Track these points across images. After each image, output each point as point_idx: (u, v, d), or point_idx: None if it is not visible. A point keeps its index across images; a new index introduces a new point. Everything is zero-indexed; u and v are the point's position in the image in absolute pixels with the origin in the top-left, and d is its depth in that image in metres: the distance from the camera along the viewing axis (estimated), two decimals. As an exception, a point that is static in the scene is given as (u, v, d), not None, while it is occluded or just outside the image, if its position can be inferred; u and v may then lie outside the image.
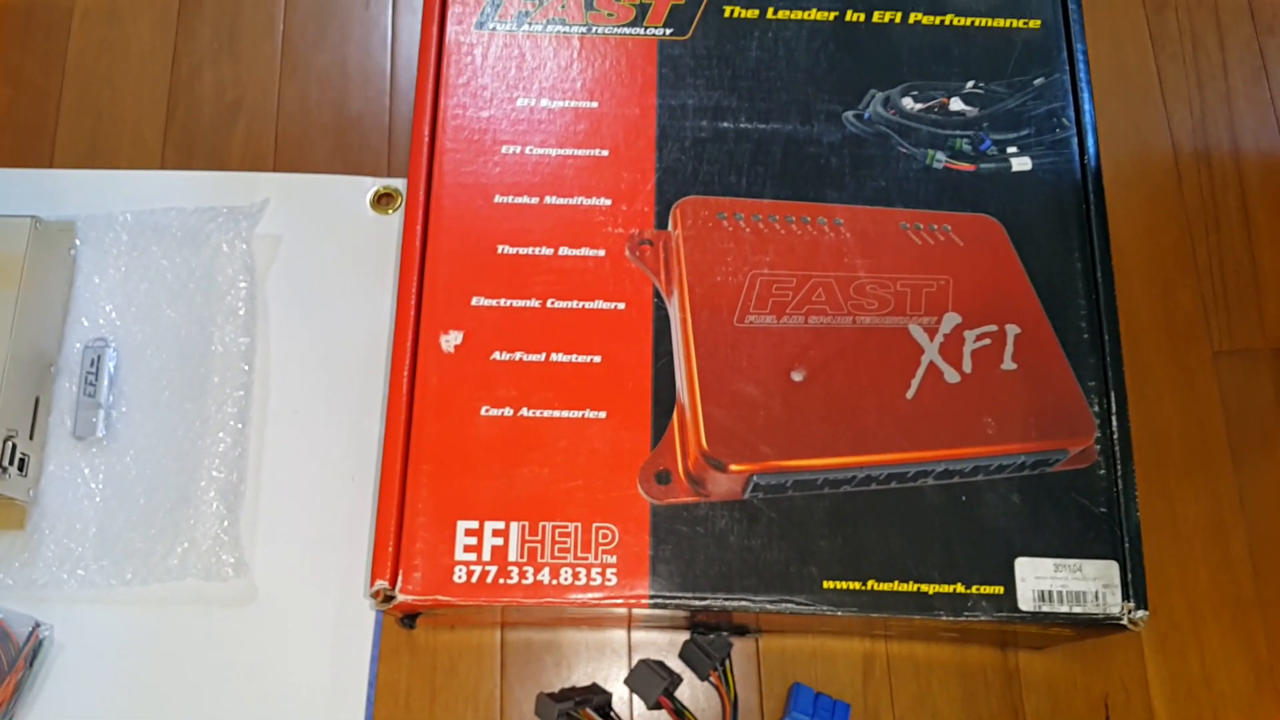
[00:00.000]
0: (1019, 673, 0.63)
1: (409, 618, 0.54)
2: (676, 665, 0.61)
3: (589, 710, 0.59)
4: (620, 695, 0.61)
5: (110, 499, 0.64)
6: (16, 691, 0.61)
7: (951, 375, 0.55)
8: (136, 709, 0.61)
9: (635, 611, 0.54)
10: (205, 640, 0.62)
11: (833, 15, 0.60)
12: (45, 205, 0.68)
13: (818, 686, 0.61)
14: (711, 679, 0.60)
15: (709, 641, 0.60)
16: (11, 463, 0.62)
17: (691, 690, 0.61)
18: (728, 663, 0.60)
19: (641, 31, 0.60)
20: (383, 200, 0.70)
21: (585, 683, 0.62)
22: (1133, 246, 0.71)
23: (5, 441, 0.62)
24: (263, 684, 0.62)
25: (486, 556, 0.52)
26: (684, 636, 0.61)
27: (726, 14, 0.60)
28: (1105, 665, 0.63)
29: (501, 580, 0.51)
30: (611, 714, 0.60)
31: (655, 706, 0.60)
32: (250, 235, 0.69)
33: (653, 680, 0.60)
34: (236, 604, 0.63)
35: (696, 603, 0.51)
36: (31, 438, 0.64)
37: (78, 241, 0.69)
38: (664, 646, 0.62)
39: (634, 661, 0.61)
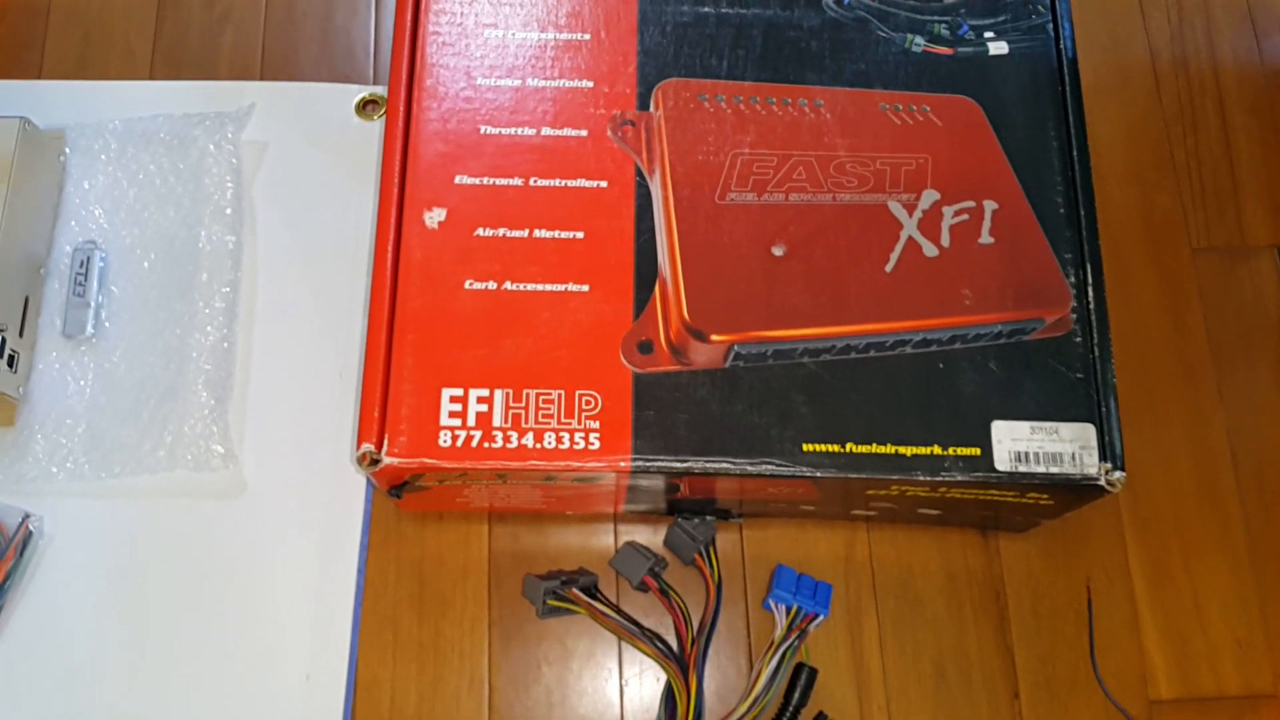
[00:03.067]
0: (1000, 557, 0.63)
1: (396, 488, 0.55)
2: (661, 553, 0.62)
3: (575, 590, 0.60)
4: (607, 579, 0.62)
5: (99, 395, 0.65)
6: (7, 579, 0.61)
7: (930, 249, 0.56)
8: (126, 600, 0.62)
9: (620, 483, 0.55)
10: (195, 532, 0.63)
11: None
12: (35, 115, 0.69)
13: (800, 571, 0.61)
14: (696, 562, 0.61)
15: (693, 526, 0.61)
16: (2, 356, 0.62)
17: (676, 575, 0.62)
18: (712, 547, 0.61)
19: (623, -80, 0.61)
20: (367, 107, 0.71)
21: (572, 570, 0.62)
22: (1111, 151, 0.72)
23: (-4, 335, 0.62)
24: (252, 575, 0.62)
25: (471, 422, 0.52)
26: (668, 528, 0.62)
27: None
28: (1086, 551, 0.64)
29: (486, 444, 0.52)
30: (598, 594, 0.60)
31: (641, 587, 0.60)
32: (237, 139, 0.70)
33: (638, 561, 0.60)
34: (226, 496, 0.64)
35: (678, 465, 0.52)
36: (21, 336, 0.65)
37: (67, 149, 0.70)
38: (649, 537, 0.63)
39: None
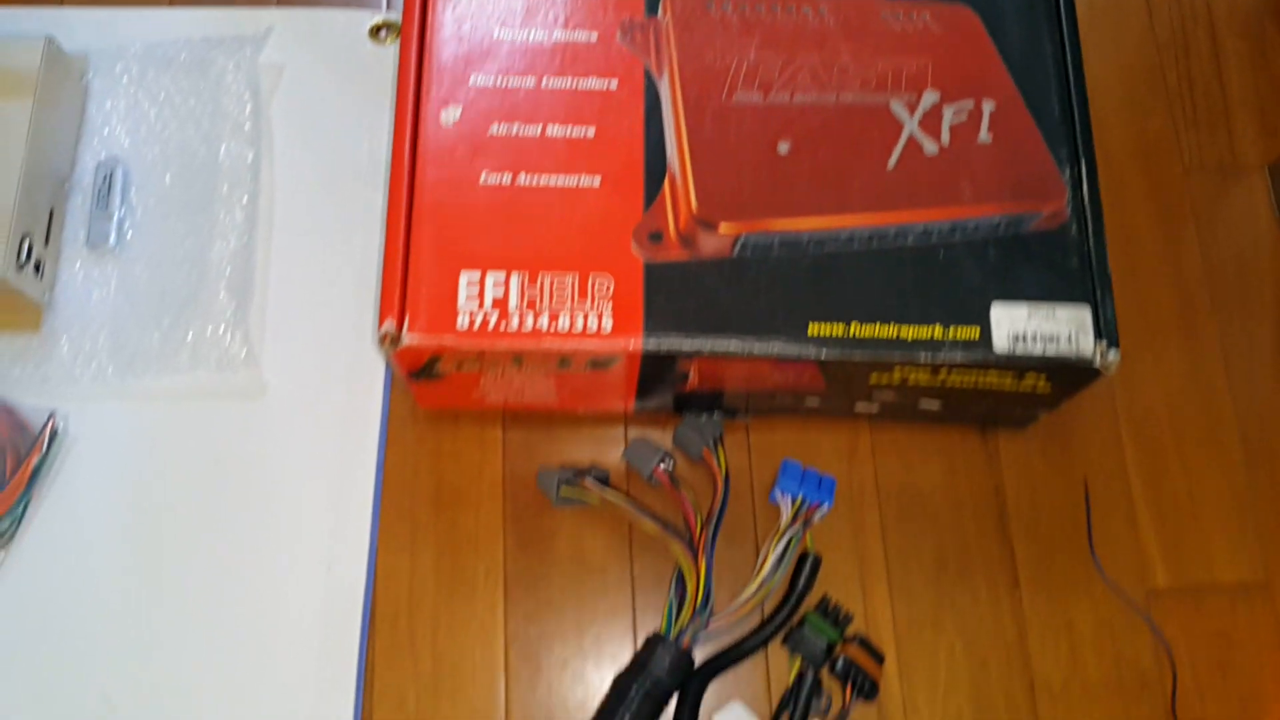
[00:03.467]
0: (1000, 454, 0.65)
1: (415, 373, 0.57)
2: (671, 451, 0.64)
3: (588, 480, 0.62)
4: (618, 473, 0.64)
5: (122, 302, 0.67)
6: (34, 476, 0.63)
7: (930, 147, 0.58)
8: (148, 498, 0.64)
9: (632, 371, 0.56)
10: (217, 432, 0.65)
11: None
12: (59, 40, 0.71)
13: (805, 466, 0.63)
14: (704, 457, 0.63)
15: (701, 422, 0.63)
16: (28, 260, 0.64)
17: (684, 473, 0.64)
18: (719, 442, 0.63)
19: None
20: (380, 32, 0.73)
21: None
22: (1104, 76, 0.74)
23: (22, 240, 0.64)
24: (273, 473, 0.64)
25: (488, 304, 0.54)
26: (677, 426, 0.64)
27: None
28: (1083, 449, 0.66)
29: (503, 325, 0.54)
30: (609, 485, 0.62)
31: (651, 479, 0.62)
32: (254, 61, 0.72)
33: (649, 453, 0.62)
34: (247, 397, 0.66)
35: (688, 346, 0.54)
36: (46, 245, 0.67)
37: (89, 72, 0.72)
38: (659, 438, 0.65)
39: (631, 447, 0.64)
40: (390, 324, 0.53)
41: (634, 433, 0.65)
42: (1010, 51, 0.60)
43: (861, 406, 0.63)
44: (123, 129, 0.71)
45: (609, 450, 0.65)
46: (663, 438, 0.65)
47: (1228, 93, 0.74)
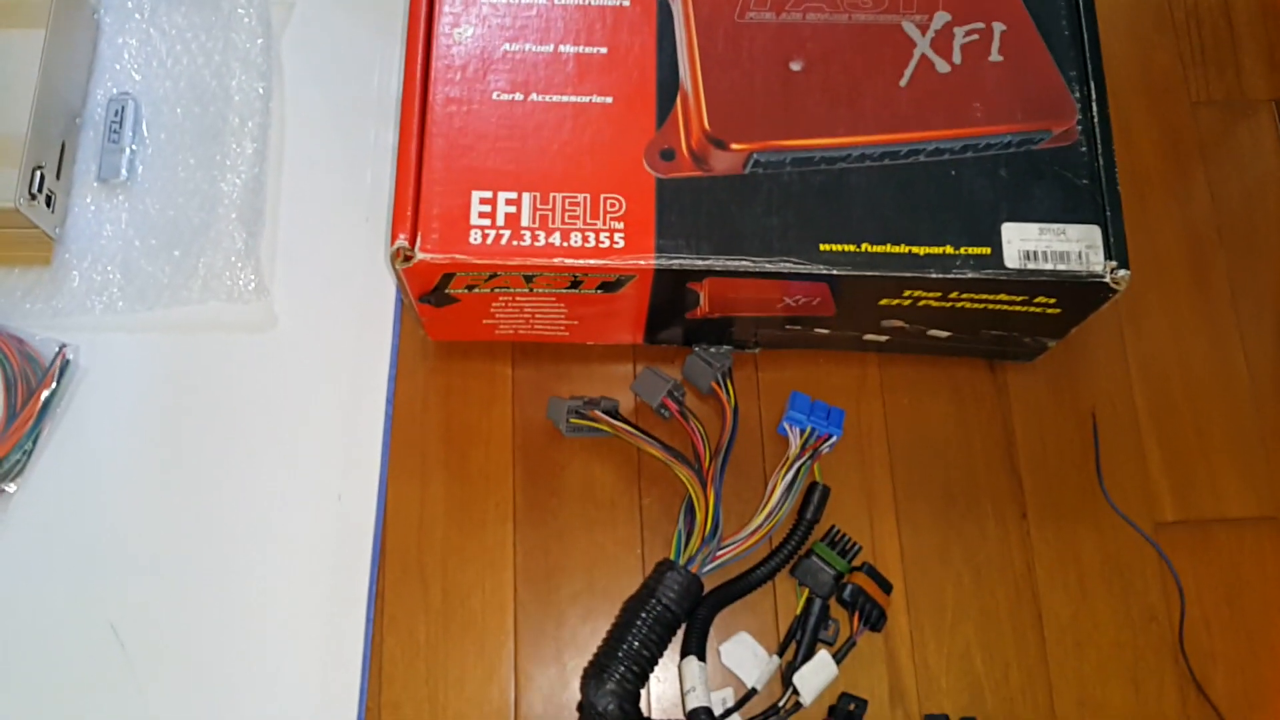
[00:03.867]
0: (1008, 387, 0.65)
1: (426, 295, 0.57)
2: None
3: (598, 411, 0.61)
4: (627, 406, 0.64)
5: (133, 235, 0.67)
6: (44, 408, 0.63)
7: (942, 66, 0.58)
8: (160, 429, 0.64)
9: (642, 295, 0.56)
10: (227, 364, 0.65)
11: None
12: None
13: (813, 399, 0.63)
14: (713, 389, 0.63)
15: (710, 354, 0.63)
16: (40, 192, 0.64)
17: (694, 405, 0.64)
18: (728, 375, 0.63)
19: None
20: (394, -34, 0.73)
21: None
22: (1112, 10, 0.73)
23: (34, 172, 0.64)
24: (284, 405, 0.64)
25: (500, 222, 0.54)
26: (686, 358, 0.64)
27: None
28: (1092, 383, 0.66)
29: (515, 243, 0.54)
30: (619, 415, 0.62)
31: (661, 409, 0.62)
32: (266, -2, 0.72)
33: (658, 384, 0.62)
34: (257, 330, 0.66)
35: (700, 263, 0.54)
36: (58, 178, 0.67)
37: (101, 9, 0.72)
38: (669, 371, 0.65)
39: (639, 380, 0.64)
40: (403, 240, 0.53)
41: (644, 367, 0.65)
42: (1020, -24, 0.60)
43: (870, 336, 0.62)
44: (134, 64, 0.71)
45: (619, 385, 0.65)
46: (672, 372, 0.65)
47: (1235, 27, 0.74)
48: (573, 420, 0.61)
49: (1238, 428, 0.65)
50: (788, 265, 0.54)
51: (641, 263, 0.54)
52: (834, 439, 0.62)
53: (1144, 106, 0.71)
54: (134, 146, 0.68)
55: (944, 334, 0.61)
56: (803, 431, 0.62)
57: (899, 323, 0.60)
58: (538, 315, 0.60)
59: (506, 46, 0.57)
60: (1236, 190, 0.70)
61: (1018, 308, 0.57)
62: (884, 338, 0.63)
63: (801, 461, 0.61)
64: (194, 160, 0.68)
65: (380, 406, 0.64)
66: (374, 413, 0.64)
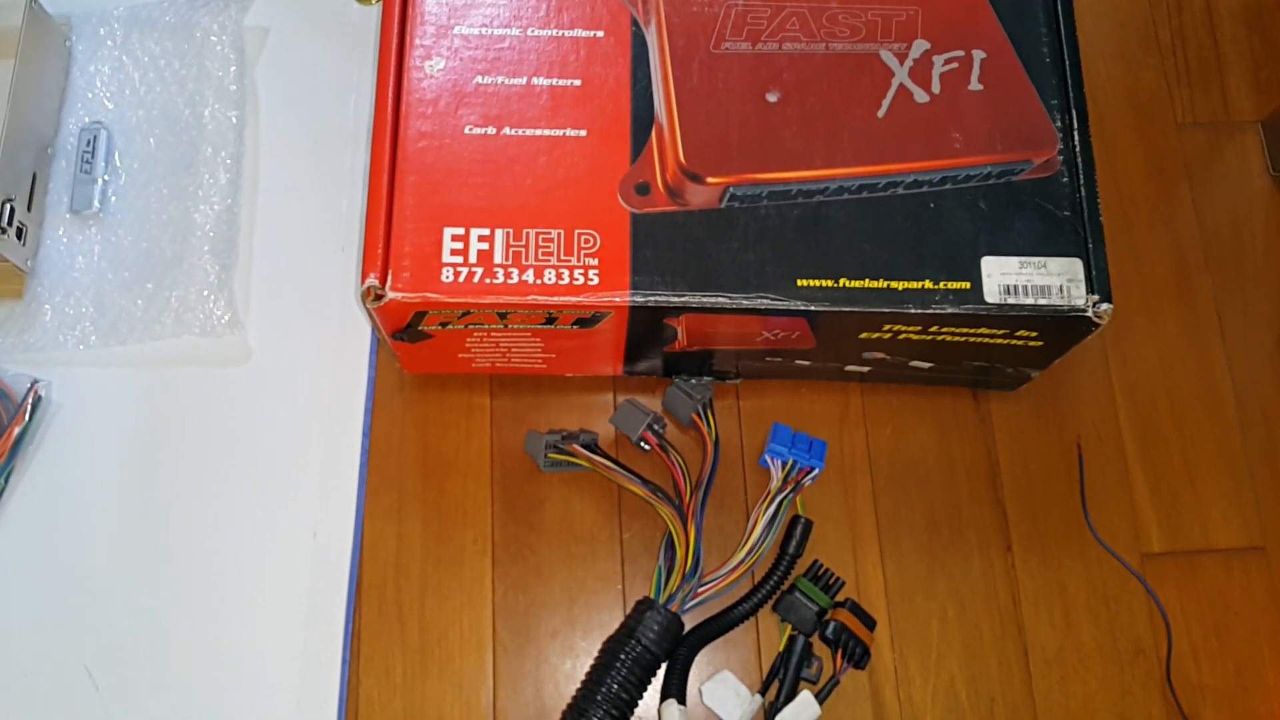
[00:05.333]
0: (992, 416, 0.65)
1: (400, 332, 0.56)
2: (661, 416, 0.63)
3: (576, 445, 0.61)
4: (607, 439, 0.63)
5: (106, 268, 0.66)
6: (16, 445, 0.62)
7: (921, 95, 0.57)
8: (133, 465, 0.63)
9: (620, 329, 0.56)
10: (201, 398, 0.64)
11: None
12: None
13: (795, 430, 0.62)
14: (694, 421, 0.62)
15: (691, 385, 0.62)
16: (11, 225, 0.63)
17: (674, 439, 0.63)
18: (709, 406, 0.62)
19: None
20: (369, -8, 0.72)
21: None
22: (1097, 31, 0.73)
23: (4, 205, 0.63)
24: (258, 439, 0.63)
25: (473, 259, 0.53)
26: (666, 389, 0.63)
27: None
28: (1077, 410, 0.65)
29: (488, 280, 0.53)
30: (598, 449, 0.61)
31: (640, 441, 0.61)
32: (239, 23, 0.71)
33: (637, 417, 0.61)
34: (231, 363, 0.65)
35: (676, 300, 0.53)
36: (30, 210, 0.66)
37: (72, 36, 0.71)
38: (648, 402, 0.64)
39: (619, 412, 0.63)
40: (373, 279, 0.52)
41: (623, 398, 0.64)
42: (1001, 2, 0.59)
43: (852, 367, 0.62)
44: (106, 93, 0.70)
45: (598, 416, 0.64)
46: (652, 403, 0.64)
47: (1221, 48, 0.73)
48: (551, 456, 0.61)
49: (1225, 455, 0.64)
50: (765, 301, 0.53)
51: (616, 300, 0.53)
52: (816, 471, 0.61)
53: (1129, 128, 0.71)
54: (106, 177, 0.68)
55: (926, 365, 0.60)
56: (784, 464, 0.61)
57: (880, 355, 0.59)
58: (514, 349, 0.59)
59: (479, 79, 0.56)
60: (1223, 212, 0.69)
61: (999, 341, 0.56)
62: (866, 369, 0.62)
63: (783, 495, 0.60)
64: (167, 190, 0.67)
65: (356, 440, 0.63)
66: (350, 446, 0.63)
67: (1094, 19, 0.73)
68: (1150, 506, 0.63)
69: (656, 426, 0.61)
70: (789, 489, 0.60)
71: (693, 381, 0.62)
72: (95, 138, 0.68)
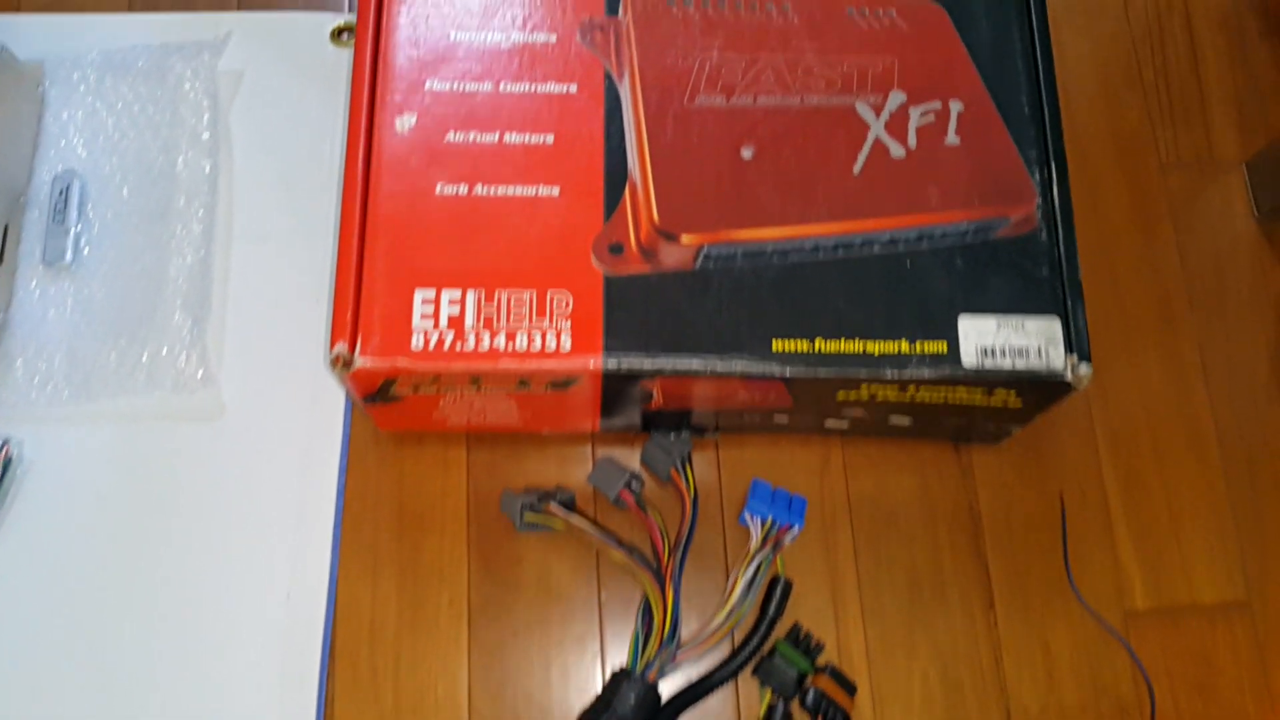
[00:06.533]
0: (973, 470, 0.64)
1: (371, 396, 0.55)
2: (639, 471, 0.62)
3: (553, 504, 0.60)
4: (584, 494, 0.62)
5: (78, 321, 0.65)
6: (-13, 503, 0.61)
7: (897, 150, 0.56)
8: (107, 523, 0.62)
9: (595, 391, 0.55)
10: (175, 455, 0.63)
11: None
12: (13, 49, 0.69)
13: (775, 486, 0.62)
14: (672, 477, 0.61)
15: (669, 441, 0.61)
16: (-21, 281, 0.62)
17: (653, 494, 0.62)
18: (687, 462, 0.61)
19: None
20: (342, 35, 0.71)
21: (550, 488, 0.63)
22: (1079, 69, 0.72)
23: (-27, 259, 0.62)
24: (232, 497, 0.62)
25: (444, 323, 0.52)
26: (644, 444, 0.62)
27: None
28: (1059, 463, 0.64)
29: (459, 345, 0.52)
30: (575, 508, 0.61)
31: (618, 501, 0.61)
32: (213, 68, 0.70)
33: (615, 475, 0.61)
34: (205, 418, 0.64)
35: (649, 364, 0.52)
36: (1, 262, 0.65)
37: (45, 81, 0.70)
38: (627, 458, 0.63)
39: (597, 466, 0.62)
40: (342, 347, 0.52)
41: (601, 450, 0.64)
42: (979, 48, 0.58)
43: (832, 423, 0.61)
44: (80, 140, 0.69)
45: (576, 469, 0.63)
46: (631, 455, 0.63)
47: (1205, 87, 0.72)
48: (527, 517, 0.60)
49: (1210, 506, 0.64)
50: (740, 365, 0.53)
51: (589, 365, 0.52)
52: (796, 530, 0.60)
53: (1112, 167, 0.70)
54: (80, 227, 0.67)
55: (906, 421, 0.60)
56: (764, 523, 0.60)
57: (859, 412, 0.58)
58: (489, 409, 0.58)
59: (451, 135, 0.56)
60: (1207, 254, 0.69)
61: (978, 400, 0.55)
62: (845, 424, 0.61)
63: (763, 555, 0.59)
64: (141, 241, 0.66)
65: (330, 498, 0.63)
66: (324, 505, 0.62)
67: (1077, 56, 0.72)
68: (1134, 561, 0.63)
69: (634, 484, 0.61)
70: (768, 548, 0.60)
71: (671, 436, 0.62)
72: (68, 187, 0.67)
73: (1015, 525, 0.63)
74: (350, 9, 0.73)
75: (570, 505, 0.61)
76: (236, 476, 0.63)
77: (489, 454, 0.63)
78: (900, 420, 0.60)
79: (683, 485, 0.61)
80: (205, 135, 0.68)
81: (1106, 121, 0.71)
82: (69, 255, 0.66)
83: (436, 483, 0.63)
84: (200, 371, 0.64)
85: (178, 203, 0.67)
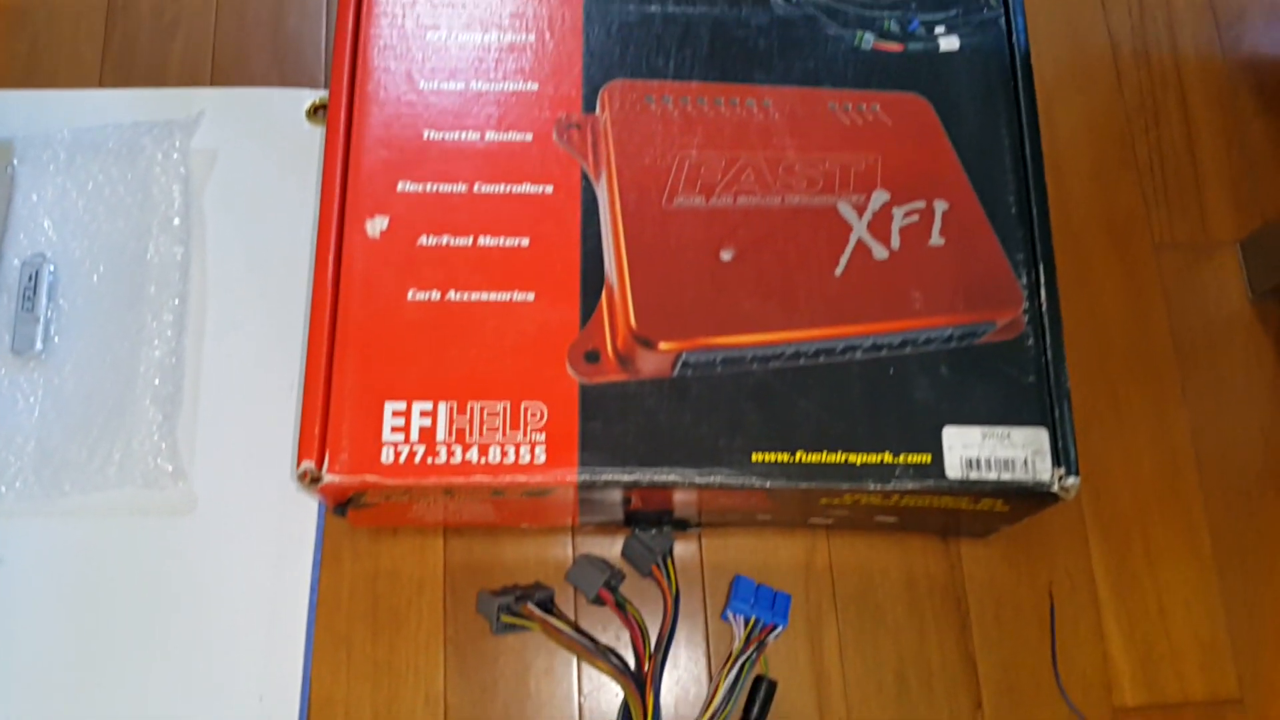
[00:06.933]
0: (961, 563, 0.63)
1: (341, 505, 0.54)
2: (619, 564, 0.61)
3: (530, 605, 0.59)
4: (563, 593, 0.61)
5: (48, 412, 0.64)
6: (-45, 603, 0.60)
7: (880, 252, 0.55)
8: (77, 619, 0.61)
9: (572, 496, 0.54)
10: (146, 550, 0.62)
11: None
12: (-17, 127, 0.68)
13: (759, 581, 0.60)
14: (653, 573, 0.60)
15: (650, 537, 0.60)
16: (-55, 374, 0.61)
17: (634, 588, 0.61)
18: (669, 558, 0.60)
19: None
20: (319, 112, 0.70)
21: (528, 584, 0.61)
22: (1072, 144, 0.71)
23: (-61, 353, 0.61)
24: (204, 593, 0.61)
25: (414, 437, 0.51)
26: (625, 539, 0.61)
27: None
28: (1049, 555, 0.63)
29: (430, 459, 0.51)
30: (554, 609, 0.59)
31: (597, 600, 0.59)
32: (186, 147, 0.69)
33: (593, 574, 0.59)
34: (177, 513, 0.63)
35: (626, 478, 0.51)
36: (-32, 352, 0.64)
37: (15, 161, 0.69)
38: (607, 548, 0.62)
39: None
40: (309, 464, 0.50)
41: (581, 540, 0.62)
42: (965, 143, 0.57)
43: (817, 520, 0.60)
44: (49, 221, 0.68)
45: (556, 559, 0.62)
46: (612, 546, 0.62)
47: (1199, 165, 0.71)
48: (504, 619, 0.58)
49: (1201, 598, 0.62)
50: (719, 478, 0.51)
51: (564, 478, 0.51)
52: (780, 629, 0.59)
53: (1106, 247, 0.69)
54: (50, 314, 0.65)
55: (892, 519, 0.58)
56: (747, 621, 0.59)
57: (844, 512, 0.57)
58: (465, 510, 0.57)
59: (423, 239, 0.54)
60: (1201, 336, 0.67)
61: (964, 506, 0.54)
62: (830, 521, 0.60)
63: (746, 655, 0.58)
64: (112, 328, 0.65)
65: (304, 594, 0.61)
66: (298, 601, 0.61)
67: (1070, 134, 0.70)
68: (1124, 656, 0.61)
69: (614, 581, 0.60)
70: (751, 649, 0.58)
71: (652, 532, 0.60)
72: (38, 272, 0.66)
73: (1005, 619, 0.61)
74: (326, 85, 0.71)
75: (548, 605, 0.59)
76: (209, 571, 0.62)
77: (466, 548, 0.62)
78: (886, 519, 0.58)
79: (664, 583, 0.60)
80: (176, 221, 0.67)
81: (1099, 199, 0.69)
82: (39, 344, 0.65)
83: (412, 576, 0.62)
84: (170, 467, 0.62)
85: (149, 290, 0.66)
